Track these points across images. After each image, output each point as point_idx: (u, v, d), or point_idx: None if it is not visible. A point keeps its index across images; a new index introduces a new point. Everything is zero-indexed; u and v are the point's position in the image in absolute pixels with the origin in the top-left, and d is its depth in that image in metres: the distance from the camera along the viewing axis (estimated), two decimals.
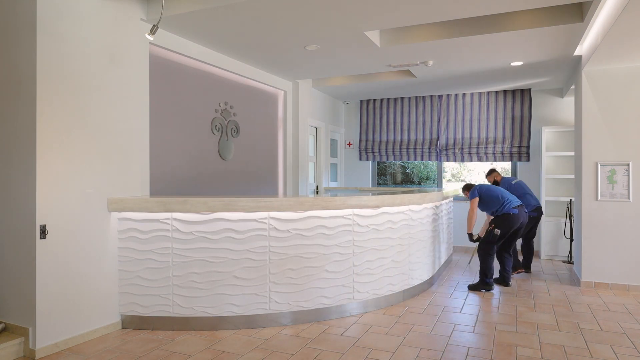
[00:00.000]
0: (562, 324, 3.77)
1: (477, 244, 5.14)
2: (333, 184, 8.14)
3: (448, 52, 5.03)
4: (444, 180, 8.11)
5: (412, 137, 7.84)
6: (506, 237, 5.00)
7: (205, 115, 4.95)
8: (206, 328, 3.60)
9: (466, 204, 7.08)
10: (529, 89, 7.06)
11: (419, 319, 3.90)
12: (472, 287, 4.92)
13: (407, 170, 8.68)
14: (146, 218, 3.60)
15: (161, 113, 4.35)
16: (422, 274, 4.73)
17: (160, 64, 4.35)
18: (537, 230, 6.07)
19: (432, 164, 8.28)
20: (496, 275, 5.35)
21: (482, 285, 4.88)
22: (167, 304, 3.60)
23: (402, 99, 7.90)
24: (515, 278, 5.48)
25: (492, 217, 5.06)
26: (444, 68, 5.76)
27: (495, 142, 7.27)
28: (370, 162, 8.38)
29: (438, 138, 7.65)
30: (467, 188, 5.38)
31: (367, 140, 8.20)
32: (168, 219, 3.59)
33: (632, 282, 4.88)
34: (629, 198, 4.86)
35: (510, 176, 7.21)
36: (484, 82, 6.65)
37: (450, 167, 8.30)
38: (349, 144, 8.44)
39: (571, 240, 6.35)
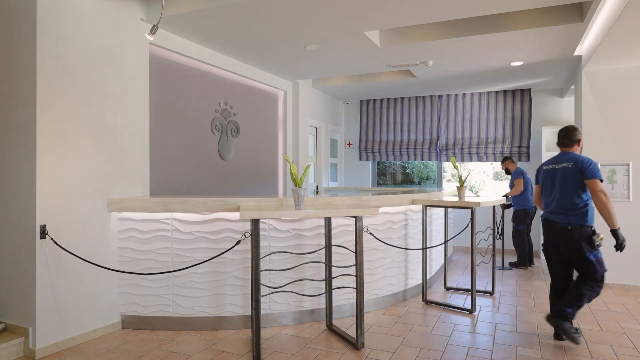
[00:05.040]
0: None
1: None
2: (333, 184, 8.14)
3: (448, 52, 5.03)
4: (444, 180, 8.11)
5: (412, 137, 7.84)
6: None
7: (205, 115, 4.95)
8: (206, 328, 3.60)
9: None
10: (529, 89, 7.06)
11: (419, 319, 3.90)
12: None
13: (407, 170, 8.69)
14: (146, 218, 3.60)
15: (161, 113, 4.35)
16: (419, 275, 4.73)
17: (160, 64, 4.35)
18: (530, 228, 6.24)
19: (432, 164, 8.28)
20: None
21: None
22: (167, 304, 3.60)
23: (402, 99, 7.90)
24: (515, 275, 5.48)
25: None
26: (444, 68, 5.75)
27: (495, 142, 7.27)
28: (370, 162, 8.38)
29: (438, 138, 7.65)
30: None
31: (367, 140, 8.20)
32: (168, 219, 3.59)
33: (632, 282, 4.87)
34: (629, 198, 4.86)
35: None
36: (484, 82, 6.65)
37: (450, 167, 8.30)
38: (349, 144, 8.44)
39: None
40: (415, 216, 4.61)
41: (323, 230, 3.79)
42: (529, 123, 7.06)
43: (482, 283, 5.17)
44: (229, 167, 5.32)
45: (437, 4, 3.59)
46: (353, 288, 3.62)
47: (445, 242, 4.83)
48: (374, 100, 8.11)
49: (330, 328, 3.62)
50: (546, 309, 4.20)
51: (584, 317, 3.96)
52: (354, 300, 3.95)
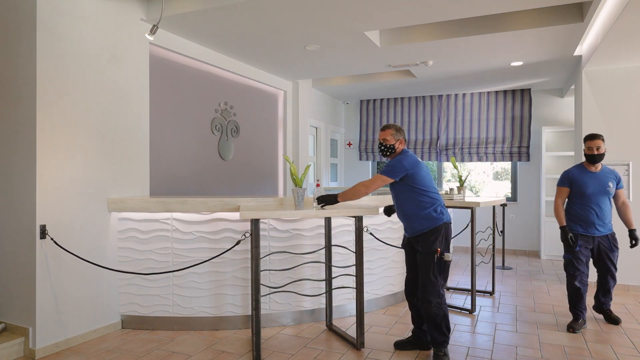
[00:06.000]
0: (562, 324, 3.77)
1: None
2: (333, 184, 8.14)
3: (448, 52, 5.03)
4: (444, 181, 8.11)
5: (412, 137, 7.84)
6: None
7: (205, 115, 4.95)
8: (206, 328, 3.60)
9: None
10: (529, 89, 7.06)
11: None
12: None
13: None
14: (146, 218, 3.60)
15: (161, 113, 4.35)
16: None
17: (160, 64, 4.35)
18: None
19: (432, 164, 8.28)
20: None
21: None
22: (167, 304, 3.60)
23: (402, 99, 7.90)
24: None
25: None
26: (444, 68, 5.75)
27: (495, 142, 7.27)
28: (370, 162, 8.38)
29: (438, 138, 7.65)
30: None
31: (367, 140, 8.19)
32: (168, 219, 3.59)
33: (632, 282, 4.87)
34: (629, 198, 4.86)
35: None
36: (484, 82, 6.65)
37: (450, 167, 8.29)
38: (349, 144, 8.44)
39: None
40: None
41: (323, 230, 3.79)
42: (529, 123, 7.06)
43: (482, 283, 5.17)
44: (229, 167, 5.32)
45: (437, 4, 3.59)
46: (353, 288, 3.61)
47: None
48: (374, 100, 8.11)
49: (330, 328, 3.62)
50: (545, 308, 4.21)
51: None
52: (354, 300, 3.95)
